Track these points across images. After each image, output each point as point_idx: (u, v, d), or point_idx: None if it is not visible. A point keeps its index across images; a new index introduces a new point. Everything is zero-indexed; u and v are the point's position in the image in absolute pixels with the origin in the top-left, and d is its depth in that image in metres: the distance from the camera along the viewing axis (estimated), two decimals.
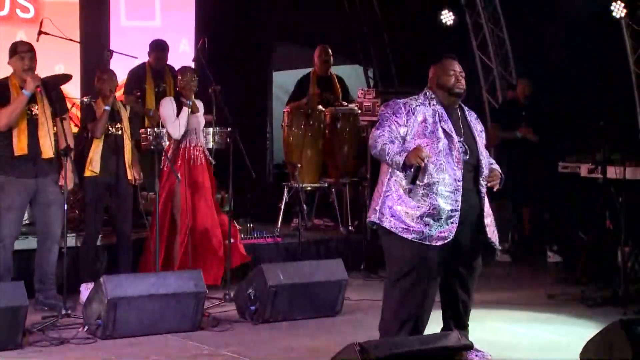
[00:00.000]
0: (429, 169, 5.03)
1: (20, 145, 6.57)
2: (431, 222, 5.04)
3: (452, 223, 5.06)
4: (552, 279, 8.33)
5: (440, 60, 5.36)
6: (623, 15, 8.95)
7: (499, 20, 10.40)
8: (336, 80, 9.50)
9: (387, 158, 5.03)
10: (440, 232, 5.05)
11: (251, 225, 8.46)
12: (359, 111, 9.27)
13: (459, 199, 5.08)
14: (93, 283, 6.94)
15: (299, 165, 8.61)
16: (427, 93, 5.29)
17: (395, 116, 5.17)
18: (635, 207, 7.38)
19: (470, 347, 4.71)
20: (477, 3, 10.36)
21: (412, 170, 4.97)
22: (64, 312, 6.42)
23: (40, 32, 7.90)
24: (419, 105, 5.21)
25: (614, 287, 7.26)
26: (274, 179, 10.92)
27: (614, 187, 7.44)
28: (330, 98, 9.37)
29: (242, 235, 8.18)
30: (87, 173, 7.14)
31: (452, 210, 5.05)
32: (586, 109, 9.22)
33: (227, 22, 10.36)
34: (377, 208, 5.20)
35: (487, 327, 6.26)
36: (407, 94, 9.38)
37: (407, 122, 5.15)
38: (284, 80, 11.78)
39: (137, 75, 8.81)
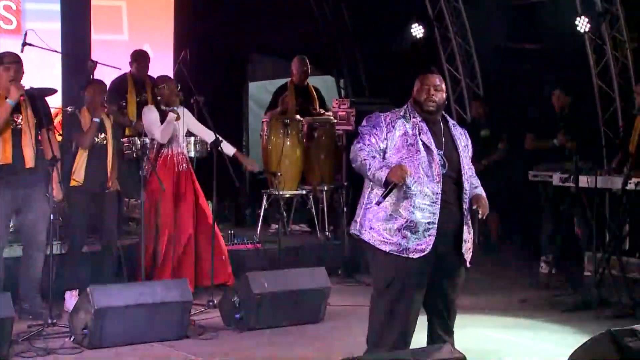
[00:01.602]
0: (407, 182, 4.74)
1: (5, 154, 6.22)
2: (409, 234, 4.75)
3: (429, 235, 4.76)
4: (521, 283, 8.08)
5: (422, 73, 4.98)
6: (587, 30, 8.77)
7: (466, 34, 10.20)
8: (313, 90, 9.23)
9: (369, 173, 4.73)
10: (418, 245, 4.76)
11: (232, 231, 8.15)
12: (335, 120, 9.03)
13: (437, 211, 4.77)
14: (77, 290, 6.65)
15: (279, 174, 8.32)
16: (409, 106, 4.96)
17: (375, 129, 4.85)
18: (605, 215, 7.23)
19: (463, 359, 4.42)
20: (445, 17, 10.16)
21: (390, 186, 4.67)
22: (49, 321, 6.05)
23: (24, 44, 7.56)
24: (400, 119, 4.88)
25: (585, 292, 7.04)
26: (250, 186, 10.64)
27: (585, 195, 7.26)
28: (308, 107, 9.10)
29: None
30: (72, 183, 6.79)
31: (429, 223, 4.76)
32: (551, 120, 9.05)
33: (203, 34, 10.08)
34: (358, 220, 4.92)
35: (466, 334, 5.96)
36: (379, 104, 9.36)
37: (387, 136, 4.84)
38: (255, 91, 11.54)
39: (119, 86, 8.55)
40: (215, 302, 6.71)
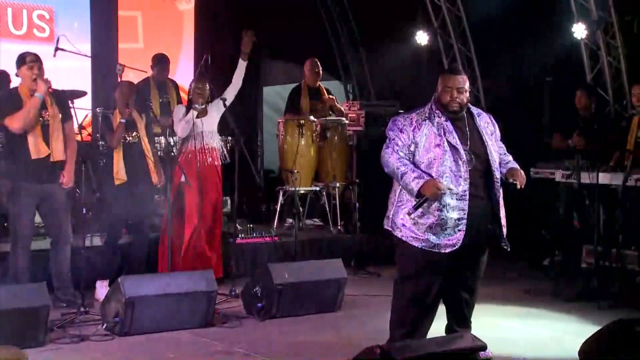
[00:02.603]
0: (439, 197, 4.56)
1: (38, 148, 6.05)
2: (439, 230, 4.58)
3: (459, 230, 4.59)
4: (524, 274, 7.89)
5: (442, 72, 4.79)
6: (583, 36, 8.59)
7: (467, 41, 10.02)
8: (325, 91, 9.06)
9: (401, 182, 4.58)
10: (449, 240, 4.59)
11: (251, 225, 7.99)
12: (346, 121, 8.88)
13: (466, 207, 4.59)
14: (107, 280, 6.51)
15: (296, 171, 8.14)
16: (432, 107, 4.73)
17: (402, 133, 4.66)
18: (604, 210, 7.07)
19: (484, 347, 4.24)
20: (448, 25, 9.99)
21: (421, 199, 4.50)
22: (82, 309, 5.90)
23: (57, 49, 7.38)
24: (425, 120, 4.68)
25: (585, 283, 6.86)
26: (264, 183, 10.48)
27: (586, 190, 7.08)
28: (320, 107, 8.93)
29: (242, 235, 7.73)
30: (117, 182, 6.67)
31: (459, 219, 4.58)
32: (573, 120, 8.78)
33: (220, 41, 9.90)
34: (390, 217, 4.74)
35: (477, 322, 5.79)
36: (386, 107, 9.19)
37: (414, 138, 4.64)
38: (268, 96, 11.37)
39: (142, 88, 8.32)
40: (238, 291, 6.54)
